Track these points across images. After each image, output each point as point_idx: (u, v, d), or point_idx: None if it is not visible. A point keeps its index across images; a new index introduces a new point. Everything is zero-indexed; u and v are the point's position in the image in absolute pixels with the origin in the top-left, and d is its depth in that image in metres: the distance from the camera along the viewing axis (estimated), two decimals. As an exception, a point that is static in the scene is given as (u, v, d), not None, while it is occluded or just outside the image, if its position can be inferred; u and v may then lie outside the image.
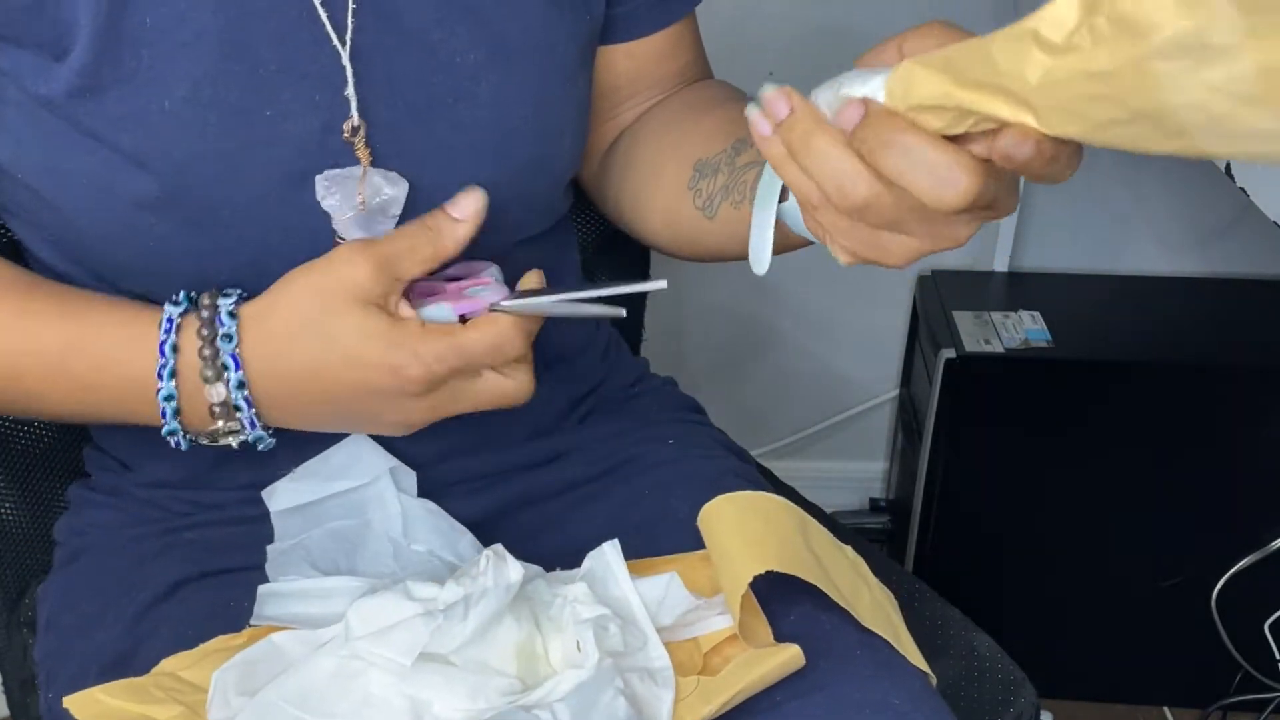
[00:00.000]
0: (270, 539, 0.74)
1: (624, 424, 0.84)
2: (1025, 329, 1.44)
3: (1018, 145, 0.47)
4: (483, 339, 0.64)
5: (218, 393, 0.64)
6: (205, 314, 0.65)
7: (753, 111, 0.56)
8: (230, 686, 0.61)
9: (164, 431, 0.66)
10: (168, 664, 0.66)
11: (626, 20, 0.78)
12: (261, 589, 0.70)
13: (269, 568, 0.72)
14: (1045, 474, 1.46)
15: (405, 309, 0.64)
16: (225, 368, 0.64)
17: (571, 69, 0.74)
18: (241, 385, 0.64)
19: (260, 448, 0.68)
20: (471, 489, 0.78)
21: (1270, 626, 1.39)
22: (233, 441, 0.67)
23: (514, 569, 0.63)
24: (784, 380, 1.71)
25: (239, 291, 0.66)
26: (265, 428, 0.67)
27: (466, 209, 0.65)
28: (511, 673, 0.61)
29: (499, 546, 0.65)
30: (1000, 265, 1.57)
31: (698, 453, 0.83)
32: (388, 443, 0.75)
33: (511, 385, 0.67)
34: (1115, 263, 1.58)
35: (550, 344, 0.82)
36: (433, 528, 0.74)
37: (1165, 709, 1.56)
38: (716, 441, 0.86)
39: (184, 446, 0.67)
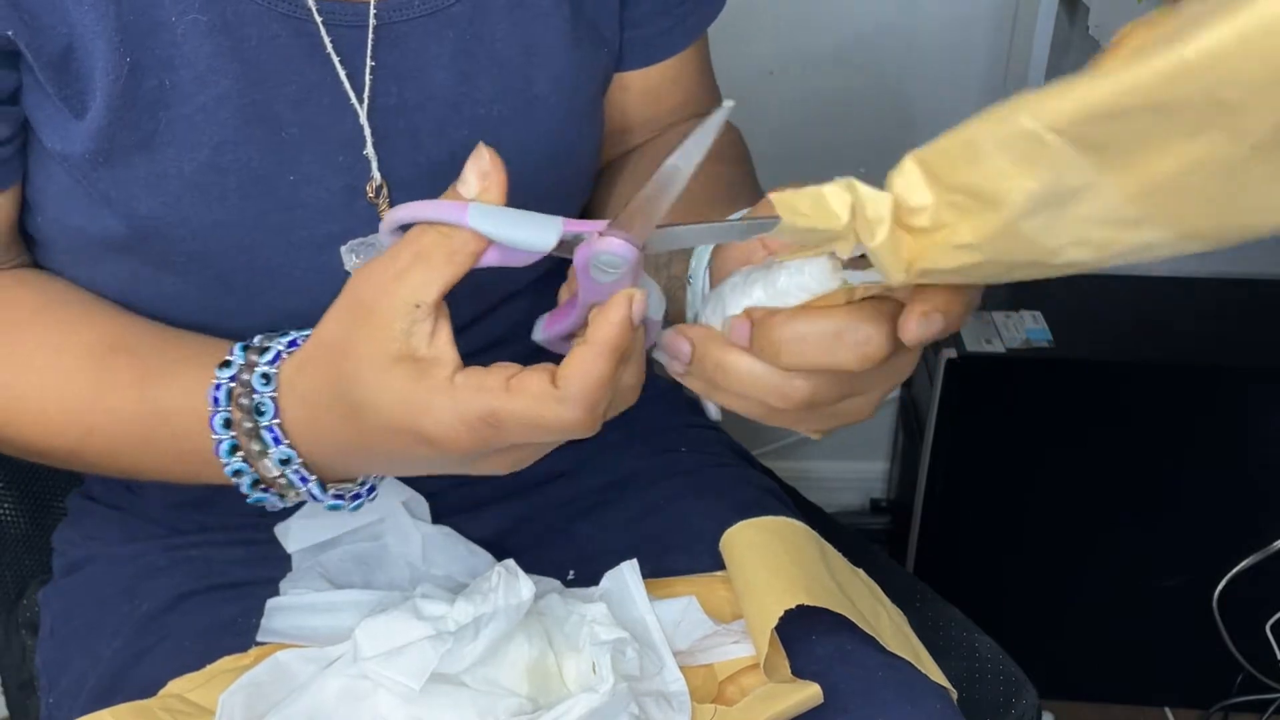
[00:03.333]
0: (276, 558, 0.73)
1: (632, 432, 0.84)
2: (1026, 329, 1.43)
3: (927, 325, 0.48)
4: (526, 412, 0.50)
5: (270, 467, 0.58)
6: (245, 377, 0.58)
7: (660, 356, 0.56)
8: (238, 709, 0.61)
9: (251, 501, 0.61)
10: (175, 686, 0.66)
11: (641, 45, 0.77)
12: (270, 602, 0.70)
13: (284, 586, 0.72)
14: (1046, 474, 1.46)
15: (443, 340, 0.51)
16: (265, 443, 0.58)
17: (590, 108, 0.73)
18: (286, 461, 0.58)
19: (368, 502, 0.63)
20: (482, 509, 0.78)
21: (1272, 627, 1.39)
22: (343, 509, 0.62)
23: (525, 586, 0.62)
24: (784, 380, 1.70)
25: (289, 338, 0.59)
26: (346, 485, 0.61)
27: (476, 177, 0.52)
28: (523, 692, 0.61)
29: (510, 563, 0.65)
30: (1001, 265, 1.57)
31: (710, 461, 0.83)
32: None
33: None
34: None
35: (554, 360, 0.82)
36: (450, 552, 0.73)
37: (1166, 710, 1.56)
38: (725, 446, 0.86)
39: (281, 506, 0.62)
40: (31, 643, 0.86)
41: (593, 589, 0.68)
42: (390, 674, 0.58)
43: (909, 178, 0.43)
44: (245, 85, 0.62)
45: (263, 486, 0.59)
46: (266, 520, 0.74)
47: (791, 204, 0.47)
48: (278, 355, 0.58)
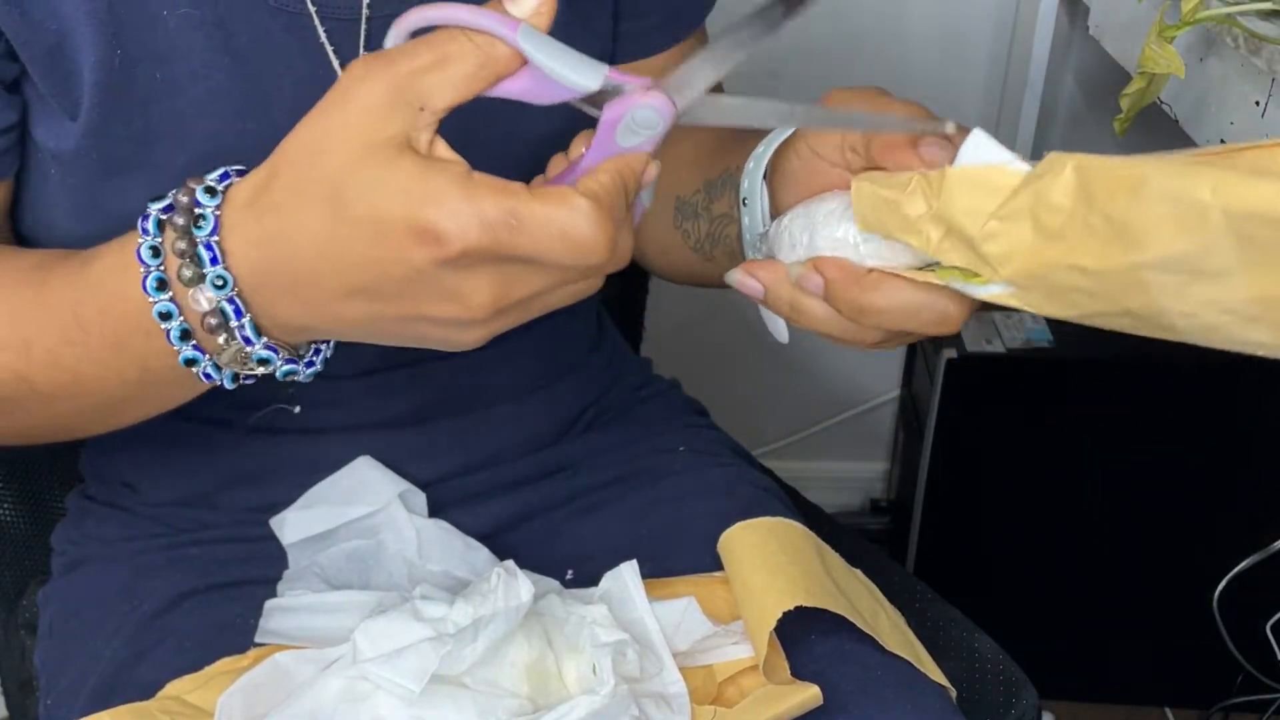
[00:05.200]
0: (275, 556, 0.73)
1: (632, 431, 0.84)
2: (1027, 329, 1.43)
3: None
4: (552, 217, 0.45)
5: (204, 298, 0.51)
6: (184, 198, 0.51)
7: (734, 277, 0.57)
8: (236, 710, 0.61)
9: (182, 360, 0.54)
10: (173, 687, 0.66)
11: (635, 38, 0.77)
12: (268, 603, 0.70)
13: (281, 588, 0.72)
14: (1046, 474, 1.46)
15: (442, 148, 0.48)
16: (200, 263, 0.51)
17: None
18: (224, 282, 0.51)
19: (300, 378, 0.56)
20: (480, 503, 0.78)
21: (1272, 627, 1.39)
22: (266, 370, 0.54)
23: (525, 587, 0.62)
24: (784, 380, 1.70)
25: (238, 167, 0.53)
26: (290, 345, 0.54)
27: None
28: (523, 693, 0.61)
29: (510, 563, 0.65)
30: (1001, 265, 1.57)
31: (709, 460, 0.83)
32: (392, 463, 0.75)
33: (585, 284, 0.51)
34: (1116, 262, 1.58)
35: (555, 356, 0.82)
36: (447, 547, 0.73)
37: (1167, 710, 1.56)
38: (725, 446, 0.86)
39: (225, 383, 0.55)
40: (30, 642, 0.86)
41: (592, 590, 0.68)
42: (390, 676, 0.58)
43: (1063, 179, 0.43)
44: (238, 79, 0.62)
45: (194, 343, 0.53)
46: (264, 517, 0.74)
47: (869, 204, 0.49)
48: (226, 174, 0.52)
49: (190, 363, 0.54)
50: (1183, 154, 0.41)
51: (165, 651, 0.69)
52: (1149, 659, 1.54)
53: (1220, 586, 1.39)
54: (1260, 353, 0.42)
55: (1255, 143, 0.40)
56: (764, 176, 0.60)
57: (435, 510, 0.75)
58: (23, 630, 0.88)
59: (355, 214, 0.47)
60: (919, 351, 1.56)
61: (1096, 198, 0.42)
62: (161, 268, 0.52)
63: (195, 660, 0.67)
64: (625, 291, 1.06)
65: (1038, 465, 1.45)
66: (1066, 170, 0.43)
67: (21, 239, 0.68)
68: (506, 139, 0.65)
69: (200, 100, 0.61)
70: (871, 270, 0.52)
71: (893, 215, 0.49)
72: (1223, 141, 0.76)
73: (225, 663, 0.66)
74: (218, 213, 0.51)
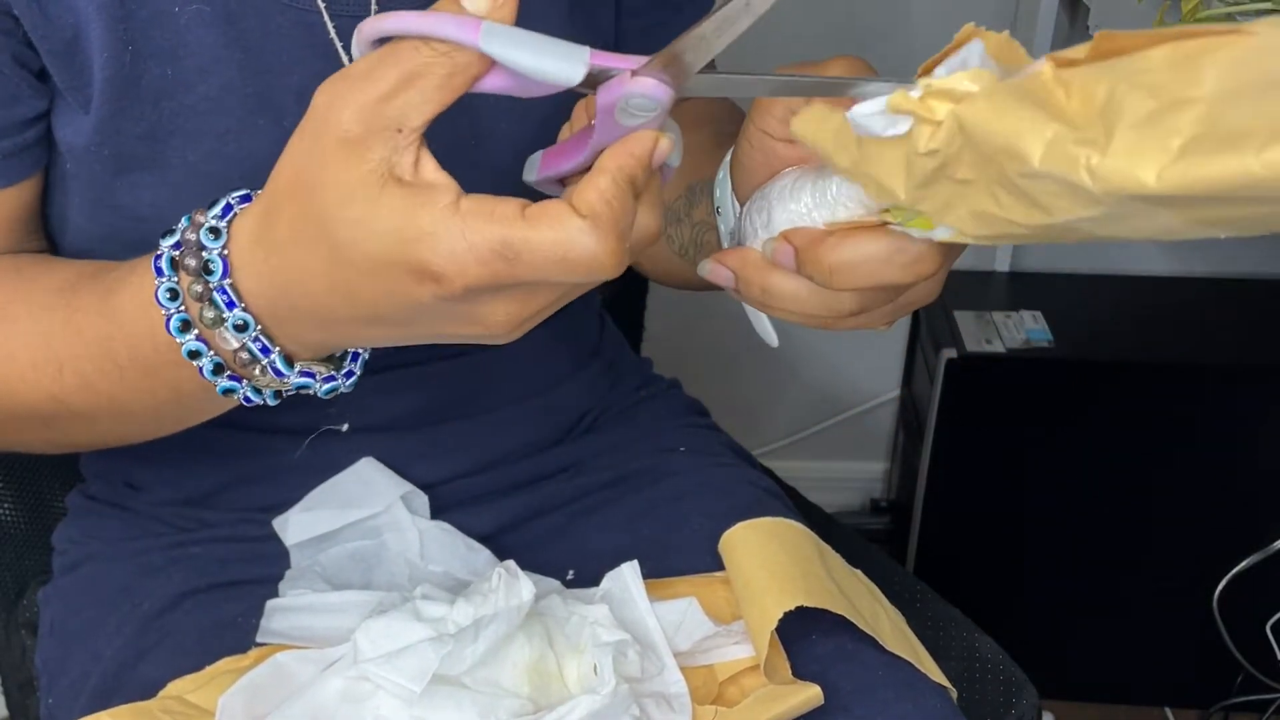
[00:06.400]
0: (276, 555, 0.73)
1: (633, 432, 0.84)
2: (1026, 329, 1.43)
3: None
4: (549, 242, 0.43)
5: (230, 338, 0.51)
6: (192, 236, 0.51)
7: (704, 268, 0.55)
8: (237, 710, 0.61)
9: (220, 391, 0.54)
10: (174, 687, 0.65)
11: (636, 35, 0.77)
12: (269, 603, 0.70)
13: (282, 587, 0.72)
14: (1046, 474, 1.46)
15: (429, 168, 0.45)
16: (218, 307, 0.51)
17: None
18: (244, 327, 0.51)
19: (343, 390, 0.55)
20: (482, 505, 0.78)
21: (1272, 627, 1.39)
22: (307, 392, 0.55)
23: (526, 588, 0.62)
24: (784, 380, 1.70)
25: (241, 193, 0.52)
26: (327, 364, 0.54)
27: None
28: (523, 693, 0.61)
29: (511, 564, 0.65)
30: (1002, 265, 1.57)
31: (710, 461, 0.83)
32: (395, 465, 0.75)
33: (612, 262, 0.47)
34: (1116, 263, 1.58)
35: (557, 359, 0.82)
36: (449, 549, 0.73)
37: (1167, 710, 1.56)
38: (725, 447, 0.86)
39: (268, 401, 0.55)
40: (31, 642, 0.86)
41: (593, 590, 0.68)
42: (391, 676, 0.58)
43: (959, 147, 0.42)
44: (248, 75, 0.62)
45: (229, 373, 0.53)
46: (267, 517, 0.74)
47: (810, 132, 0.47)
48: (228, 208, 0.51)
49: (229, 392, 0.54)
50: (1090, 70, 0.39)
51: (166, 651, 0.69)
52: (1149, 659, 1.54)
53: (1220, 586, 1.39)
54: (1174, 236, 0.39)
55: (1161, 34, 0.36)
56: (732, 185, 0.60)
57: (437, 511, 0.75)
58: (23, 630, 0.88)
59: (352, 257, 0.46)
60: (919, 351, 1.56)
61: (993, 162, 0.40)
62: (182, 309, 0.52)
63: (196, 660, 0.67)
64: (625, 291, 1.06)
65: (1038, 465, 1.45)
66: (954, 137, 0.41)
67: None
68: (489, 137, 0.65)
69: (210, 96, 0.61)
70: (831, 230, 0.51)
71: (841, 149, 0.47)
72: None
73: (226, 662, 0.66)
74: (225, 254, 0.50)
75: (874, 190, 0.47)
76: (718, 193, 0.61)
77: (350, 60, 0.63)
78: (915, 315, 1.60)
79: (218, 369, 0.53)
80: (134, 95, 0.60)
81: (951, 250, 0.51)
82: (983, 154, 0.40)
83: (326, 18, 0.63)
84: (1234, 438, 1.42)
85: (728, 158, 0.60)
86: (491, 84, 0.45)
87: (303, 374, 0.53)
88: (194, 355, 0.53)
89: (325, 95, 0.46)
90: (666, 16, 0.77)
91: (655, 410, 0.87)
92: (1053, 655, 1.52)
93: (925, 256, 0.49)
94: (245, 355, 0.52)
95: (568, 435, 0.83)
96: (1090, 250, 1.58)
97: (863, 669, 0.65)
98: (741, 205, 0.59)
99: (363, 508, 0.73)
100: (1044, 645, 1.50)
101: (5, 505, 0.90)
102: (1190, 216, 0.36)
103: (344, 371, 0.56)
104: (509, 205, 0.44)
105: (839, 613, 0.65)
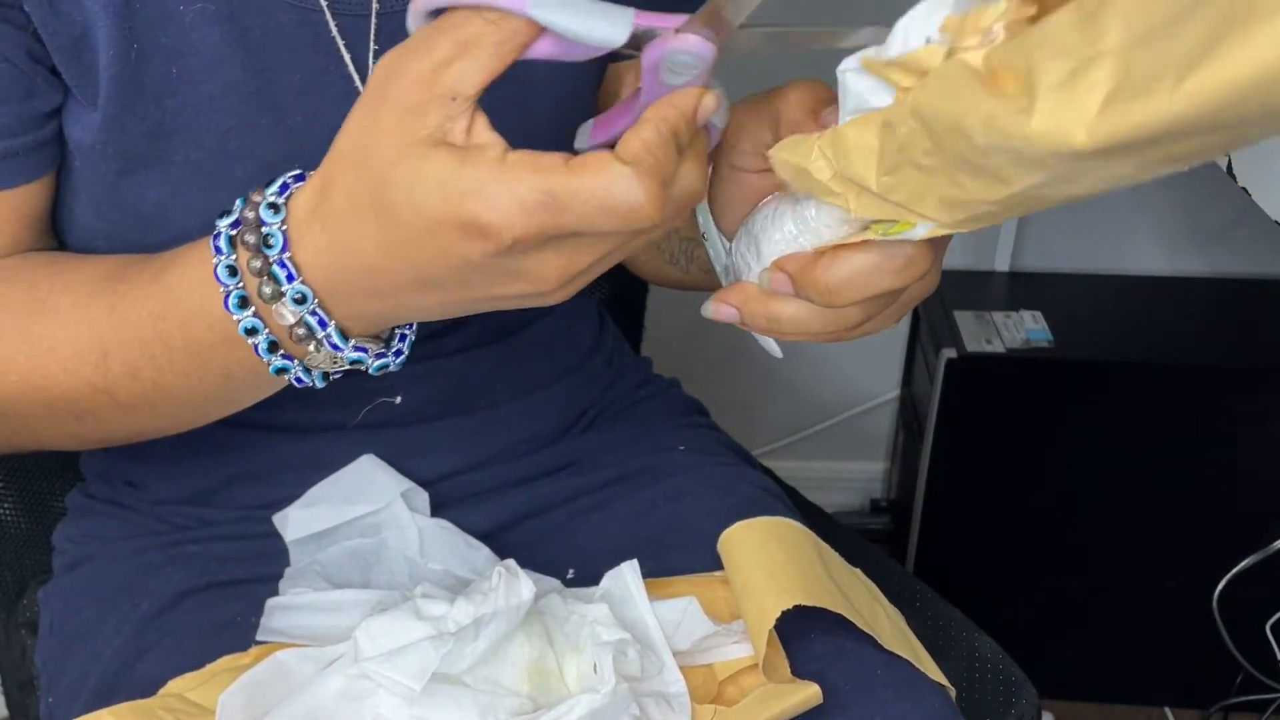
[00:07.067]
0: (277, 554, 0.73)
1: (632, 431, 0.84)
2: (1026, 329, 1.43)
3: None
4: (592, 189, 0.44)
5: (287, 312, 0.52)
6: (250, 214, 0.53)
7: (707, 310, 0.56)
8: (237, 709, 0.61)
9: (272, 370, 0.55)
10: (174, 685, 0.65)
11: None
12: (270, 602, 0.70)
13: (282, 586, 0.72)
14: (1046, 474, 1.46)
15: (483, 132, 0.47)
16: (277, 280, 0.52)
17: (587, 95, 0.73)
18: (302, 300, 0.52)
19: (392, 368, 0.57)
20: (481, 502, 0.78)
21: (1272, 627, 1.39)
22: (359, 369, 0.56)
23: (526, 587, 0.62)
24: (785, 380, 1.71)
25: (296, 172, 0.53)
26: (377, 340, 0.55)
27: None
28: (523, 692, 0.61)
29: (511, 563, 0.65)
30: (1001, 265, 1.57)
31: (710, 460, 0.83)
32: (395, 461, 0.75)
33: (657, 230, 0.49)
34: (1116, 263, 1.58)
35: (556, 356, 0.82)
36: (449, 546, 0.73)
37: (1167, 710, 1.56)
38: (725, 446, 0.86)
39: (316, 383, 0.56)
40: (31, 642, 0.86)
41: (593, 589, 0.68)
42: (391, 674, 0.58)
43: (916, 130, 0.42)
44: (252, 73, 0.62)
45: (282, 352, 0.55)
46: (267, 515, 0.75)
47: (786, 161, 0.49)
48: (285, 186, 0.53)
49: (281, 371, 0.55)
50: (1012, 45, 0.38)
51: (166, 650, 0.69)
52: (1149, 659, 1.54)
53: (1220, 586, 1.39)
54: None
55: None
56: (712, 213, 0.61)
57: (437, 508, 0.75)
58: (23, 629, 0.88)
59: (403, 217, 0.47)
60: (919, 351, 1.56)
61: (946, 144, 0.41)
62: (240, 285, 0.53)
63: (196, 658, 0.67)
64: (625, 291, 1.06)
65: (1038, 465, 1.45)
66: (911, 120, 0.42)
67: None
68: (516, 127, 0.65)
69: (214, 94, 0.61)
70: (821, 252, 0.52)
71: (809, 180, 0.49)
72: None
73: (226, 661, 0.66)
74: (284, 228, 0.51)
75: (852, 197, 0.48)
76: (700, 219, 0.62)
77: (351, 60, 0.63)
78: (915, 315, 1.60)
79: (272, 347, 0.54)
80: (139, 93, 0.60)
81: (939, 245, 0.52)
82: (936, 136, 0.41)
83: (329, 16, 0.63)
84: (1234, 438, 1.42)
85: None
86: (540, 50, 0.46)
87: (357, 349, 0.54)
88: (251, 332, 0.54)
89: (384, 68, 0.47)
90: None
91: (655, 409, 0.87)
92: (1053, 655, 1.52)
93: (915, 258, 0.50)
94: (302, 330, 0.53)
95: (567, 433, 0.83)
96: (1090, 250, 1.58)
97: (862, 668, 0.65)
98: (723, 231, 0.60)
99: (363, 504, 0.73)
100: (1044, 645, 1.50)
101: (5, 505, 0.90)
102: (1137, 161, 0.37)
103: (394, 350, 0.57)
104: (553, 157, 0.45)
105: (838, 612, 0.65)
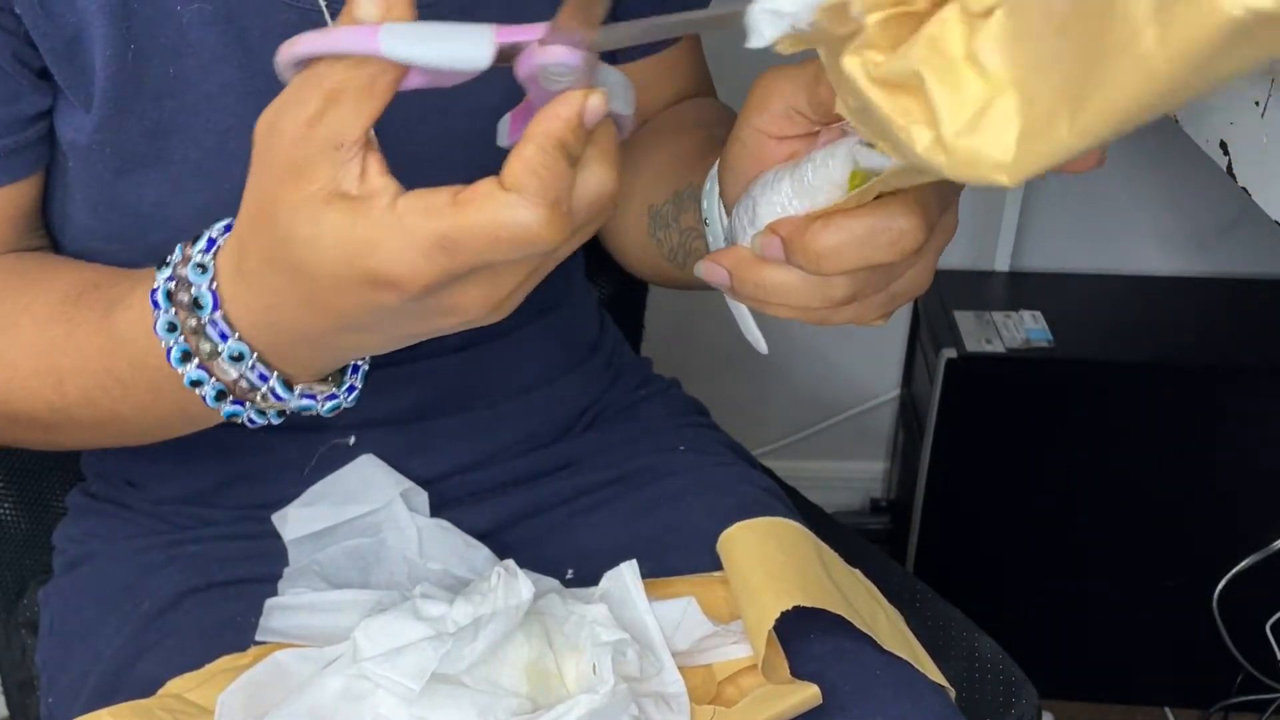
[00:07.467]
0: (276, 553, 0.74)
1: (632, 431, 0.84)
2: (1026, 329, 1.43)
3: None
4: (481, 224, 0.44)
5: (226, 369, 0.53)
6: (182, 271, 0.53)
7: (699, 269, 0.56)
8: (237, 708, 0.61)
9: (224, 415, 0.56)
10: (174, 685, 0.66)
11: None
12: (269, 602, 0.70)
13: (282, 586, 0.72)
14: (1046, 474, 1.46)
15: (375, 177, 0.45)
16: (213, 340, 0.52)
17: None
18: (240, 358, 0.52)
19: (346, 404, 0.57)
20: (481, 502, 0.78)
21: (1272, 627, 1.39)
22: (310, 413, 0.56)
23: (525, 587, 0.62)
24: (784, 380, 1.71)
25: (225, 223, 0.53)
26: (326, 383, 0.56)
27: None
28: (522, 692, 0.61)
29: (510, 563, 0.65)
30: (1001, 265, 1.57)
31: (710, 460, 0.83)
32: (394, 461, 0.75)
33: (572, 243, 0.48)
34: (1116, 263, 1.58)
35: (556, 356, 0.82)
36: (448, 546, 0.73)
37: (1167, 710, 1.56)
38: (725, 446, 0.86)
39: (272, 420, 0.56)
40: (31, 642, 0.86)
41: (592, 589, 0.68)
42: (390, 674, 0.58)
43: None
44: (249, 73, 0.62)
45: (232, 399, 0.55)
46: (266, 515, 0.75)
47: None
48: (212, 243, 0.53)
49: (234, 415, 0.55)
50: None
51: (166, 650, 0.69)
52: (1149, 659, 1.54)
53: (1220, 586, 1.39)
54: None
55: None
56: (719, 193, 0.60)
57: (436, 508, 0.75)
58: (23, 629, 0.88)
59: (312, 274, 0.47)
60: (919, 351, 1.56)
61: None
62: (182, 340, 0.53)
63: (196, 658, 0.67)
64: (625, 291, 1.06)
65: (1038, 465, 1.45)
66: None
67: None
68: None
69: (212, 95, 0.62)
70: (814, 216, 0.51)
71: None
72: (1222, 144, 0.76)
73: (226, 660, 0.66)
74: (214, 288, 0.52)
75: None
76: (704, 204, 0.62)
77: None
78: (915, 315, 1.60)
79: (220, 395, 0.54)
80: (136, 93, 0.60)
81: (938, 233, 0.51)
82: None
83: (327, 16, 0.63)
84: (1234, 438, 1.42)
85: (714, 170, 0.61)
86: (413, 82, 0.45)
87: (303, 396, 0.55)
88: (196, 384, 0.54)
89: (263, 125, 0.46)
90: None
91: (655, 409, 0.87)
92: (1053, 655, 1.52)
93: (908, 232, 0.49)
94: (245, 384, 0.53)
95: (567, 433, 0.83)
96: (1090, 250, 1.58)
97: (861, 668, 0.65)
98: (728, 210, 0.59)
99: (362, 504, 0.73)
100: (1044, 645, 1.50)
101: (5, 505, 0.90)
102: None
103: (345, 387, 0.57)
104: (440, 195, 0.44)
105: (837, 612, 0.65)
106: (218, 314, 0.52)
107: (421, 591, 0.66)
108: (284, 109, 0.46)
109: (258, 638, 0.68)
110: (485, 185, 0.44)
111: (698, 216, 0.64)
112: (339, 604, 0.68)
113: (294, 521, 0.74)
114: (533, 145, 0.44)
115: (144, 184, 0.63)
